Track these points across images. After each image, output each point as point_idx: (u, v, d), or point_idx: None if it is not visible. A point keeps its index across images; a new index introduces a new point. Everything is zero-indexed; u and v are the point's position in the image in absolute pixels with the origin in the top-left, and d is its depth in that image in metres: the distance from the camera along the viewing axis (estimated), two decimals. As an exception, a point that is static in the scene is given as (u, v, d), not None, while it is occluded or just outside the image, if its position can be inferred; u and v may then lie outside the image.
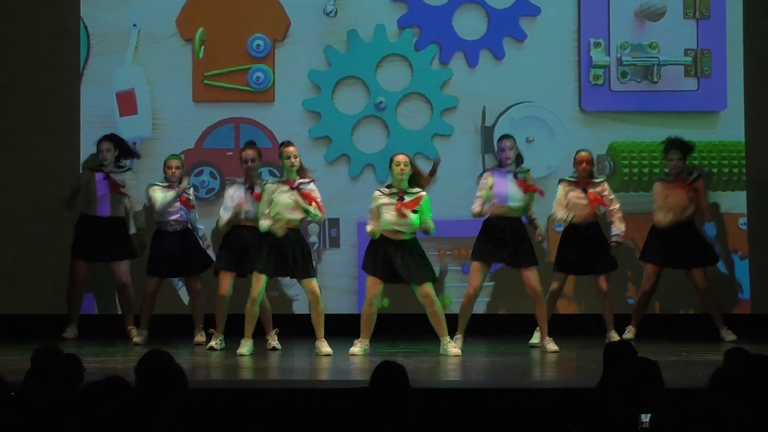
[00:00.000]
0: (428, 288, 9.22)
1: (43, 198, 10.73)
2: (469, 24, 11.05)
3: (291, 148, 9.32)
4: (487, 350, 9.89)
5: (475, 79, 11.02)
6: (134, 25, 10.99)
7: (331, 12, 11.04)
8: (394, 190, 9.25)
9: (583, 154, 10.01)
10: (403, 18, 11.05)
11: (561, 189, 9.97)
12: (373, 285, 9.22)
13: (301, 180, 9.29)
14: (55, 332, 10.09)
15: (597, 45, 11.04)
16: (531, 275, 9.49)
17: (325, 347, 9.26)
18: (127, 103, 10.96)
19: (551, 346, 9.49)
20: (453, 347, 9.24)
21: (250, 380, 8.25)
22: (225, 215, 9.62)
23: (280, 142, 9.61)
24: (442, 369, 8.69)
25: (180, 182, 10.00)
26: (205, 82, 11.02)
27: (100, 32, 10.97)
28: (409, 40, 11.04)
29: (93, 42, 10.97)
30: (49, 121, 10.86)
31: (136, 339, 10.01)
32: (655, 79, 11.04)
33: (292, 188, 9.25)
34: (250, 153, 9.66)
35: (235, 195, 9.61)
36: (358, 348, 9.22)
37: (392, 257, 9.15)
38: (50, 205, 10.59)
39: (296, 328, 9.88)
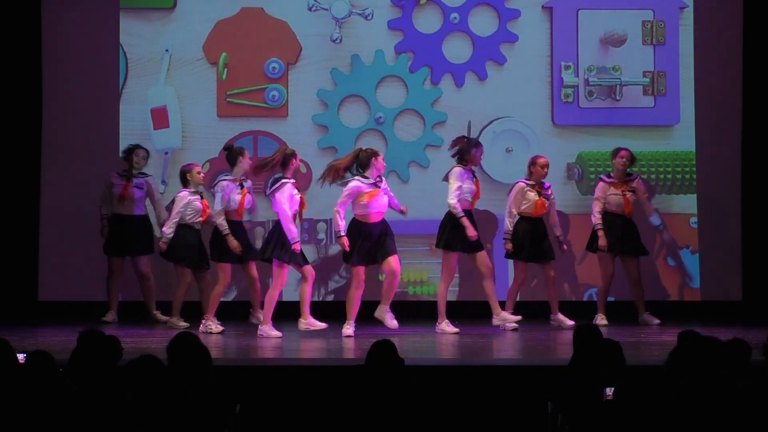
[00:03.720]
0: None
1: (86, 198, 10.66)
2: (457, 49, 11.02)
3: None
4: (463, 332, 9.78)
5: (461, 97, 10.99)
6: (166, 50, 10.97)
7: (336, 39, 11.02)
8: (371, 180, 9.27)
9: (544, 159, 9.95)
10: (399, 44, 11.03)
11: (519, 187, 9.87)
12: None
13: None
14: (97, 317, 10.04)
15: (567, 68, 11.01)
16: (483, 255, 9.50)
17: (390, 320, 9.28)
18: (160, 118, 10.94)
19: (497, 321, 9.54)
20: (390, 320, 9.23)
21: (274, 359, 8.17)
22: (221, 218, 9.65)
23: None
24: (433, 348, 8.64)
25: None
26: (227, 99, 10.99)
27: (136, 57, 10.95)
28: (404, 63, 11.02)
29: (130, 66, 10.94)
30: (93, 133, 10.82)
31: (179, 324, 9.87)
32: (618, 98, 11.01)
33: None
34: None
35: (234, 196, 9.59)
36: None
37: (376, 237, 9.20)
38: (92, 205, 10.54)
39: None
